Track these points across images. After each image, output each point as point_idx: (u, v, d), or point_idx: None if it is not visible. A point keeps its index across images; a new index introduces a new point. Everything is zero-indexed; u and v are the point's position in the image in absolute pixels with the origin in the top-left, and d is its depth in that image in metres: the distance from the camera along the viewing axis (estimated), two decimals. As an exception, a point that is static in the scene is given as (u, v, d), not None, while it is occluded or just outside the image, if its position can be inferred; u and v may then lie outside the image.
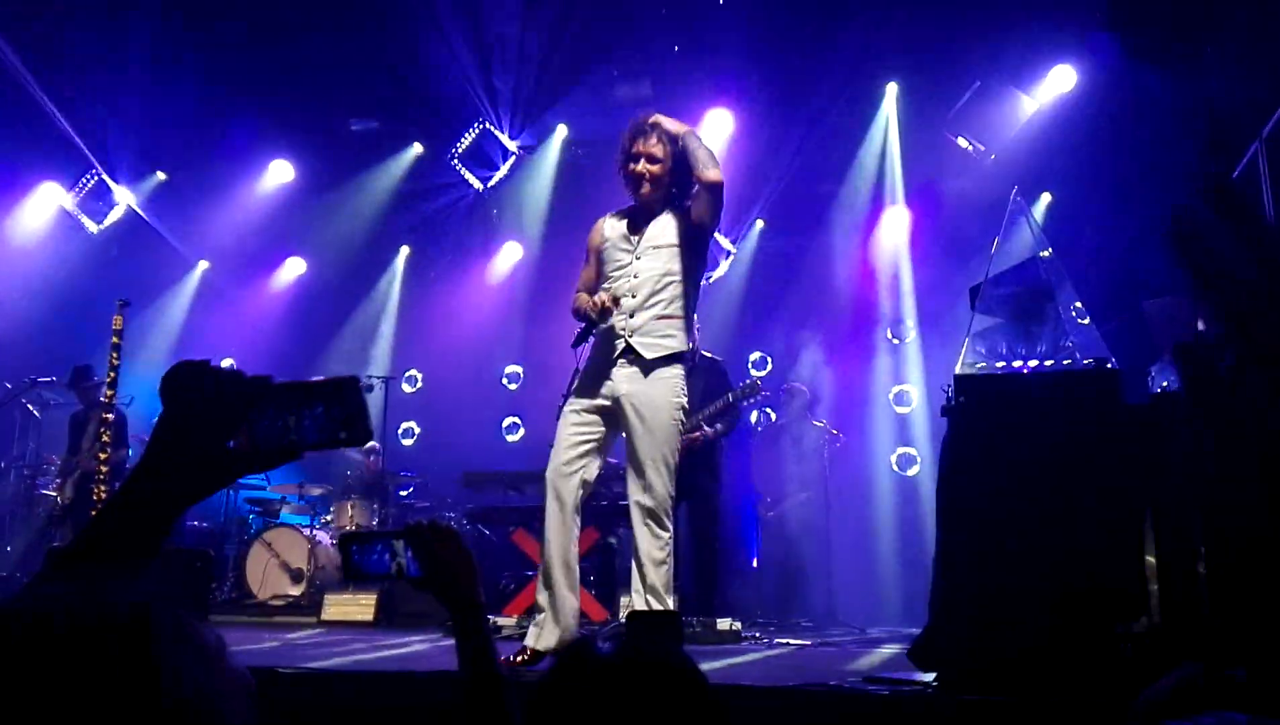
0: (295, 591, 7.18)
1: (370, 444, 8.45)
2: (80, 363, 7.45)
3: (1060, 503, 3.01)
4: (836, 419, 8.09)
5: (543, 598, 3.65)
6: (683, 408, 3.80)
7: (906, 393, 8.90)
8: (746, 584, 7.01)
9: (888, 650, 4.71)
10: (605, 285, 3.87)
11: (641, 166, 3.82)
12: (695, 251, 3.87)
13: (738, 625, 5.24)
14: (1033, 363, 3.50)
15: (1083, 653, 2.84)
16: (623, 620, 3.80)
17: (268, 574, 7.22)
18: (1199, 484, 2.97)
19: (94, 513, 4.71)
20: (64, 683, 0.62)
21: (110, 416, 5.04)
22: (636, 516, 3.68)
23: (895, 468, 8.66)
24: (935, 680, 2.98)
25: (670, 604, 3.68)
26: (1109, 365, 3.23)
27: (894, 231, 9.01)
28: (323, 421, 1.02)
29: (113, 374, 4.84)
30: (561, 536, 3.66)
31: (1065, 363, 3.41)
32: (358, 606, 6.65)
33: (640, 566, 3.65)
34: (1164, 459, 3.05)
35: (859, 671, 3.38)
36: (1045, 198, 8.26)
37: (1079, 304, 3.86)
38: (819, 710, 2.87)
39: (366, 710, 3.12)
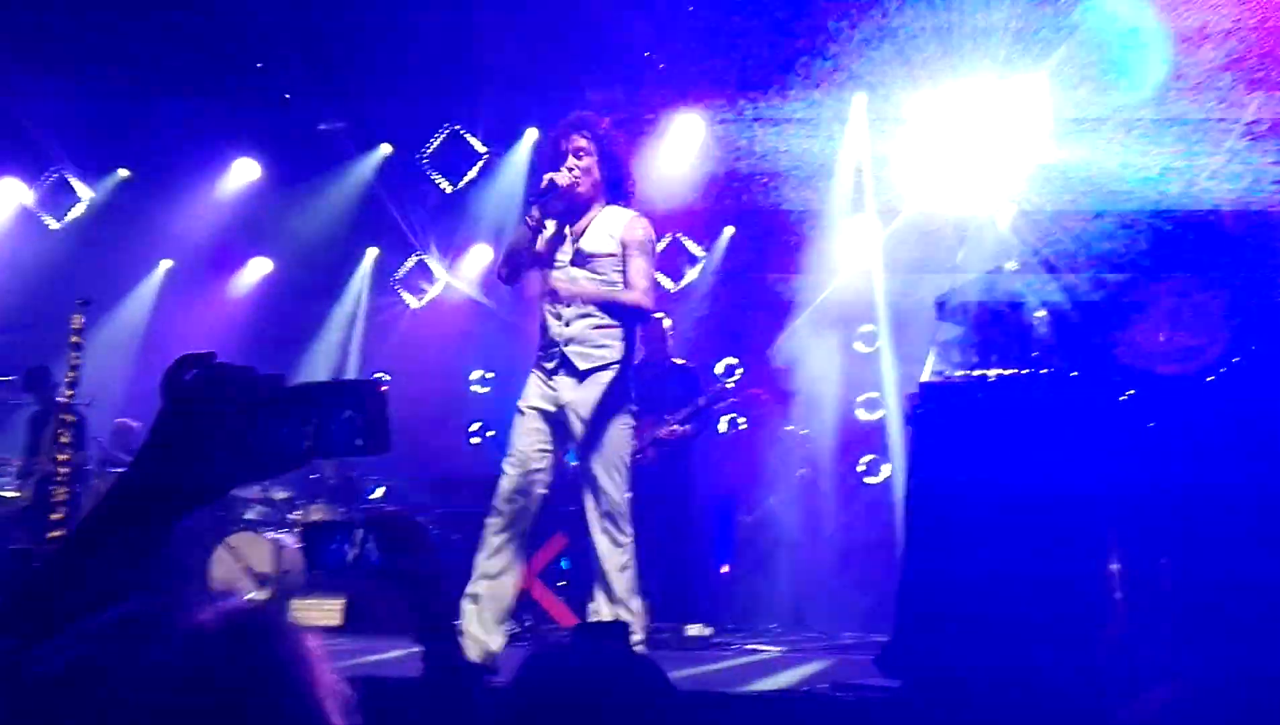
0: (260, 596, 7.08)
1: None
2: (36, 363, 7.31)
3: (1025, 509, 3.05)
4: (804, 425, 8.14)
5: (470, 609, 3.60)
6: (630, 412, 3.79)
7: (874, 399, 8.96)
8: (716, 590, 7.02)
9: (856, 656, 4.74)
10: (544, 286, 3.86)
11: (570, 163, 3.77)
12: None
13: (708, 630, 5.25)
14: (997, 371, 3.55)
15: (1049, 659, 2.88)
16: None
17: (231, 579, 7.12)
18: (1164, 491, 3.03)
19: (55, 516, 4.64)
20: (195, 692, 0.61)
21: (70, 418, 4.95)
22: (595, 524, 3.68)
23: (862, 474, 8.72)
24: (902, 687, 3.02)
25: (635, 608, 3.66)
26: (1072, 374, 3.28)
27: (864, 240, 9.08)
28: (340, 428, 0.94)
29: (73, 374, 4.76)
30: (508, 549, 3.66)
31: (1029, 371, 3.47)
32: (323, 611, 6.57)
33: (603, 574, 3.64)
34: (1130, 466, 3.10)
35: (828, 678, 3.41)
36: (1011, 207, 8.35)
37: (1043, 312, 3.91)
38: (788, 717, 2.89)
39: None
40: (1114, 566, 3.05)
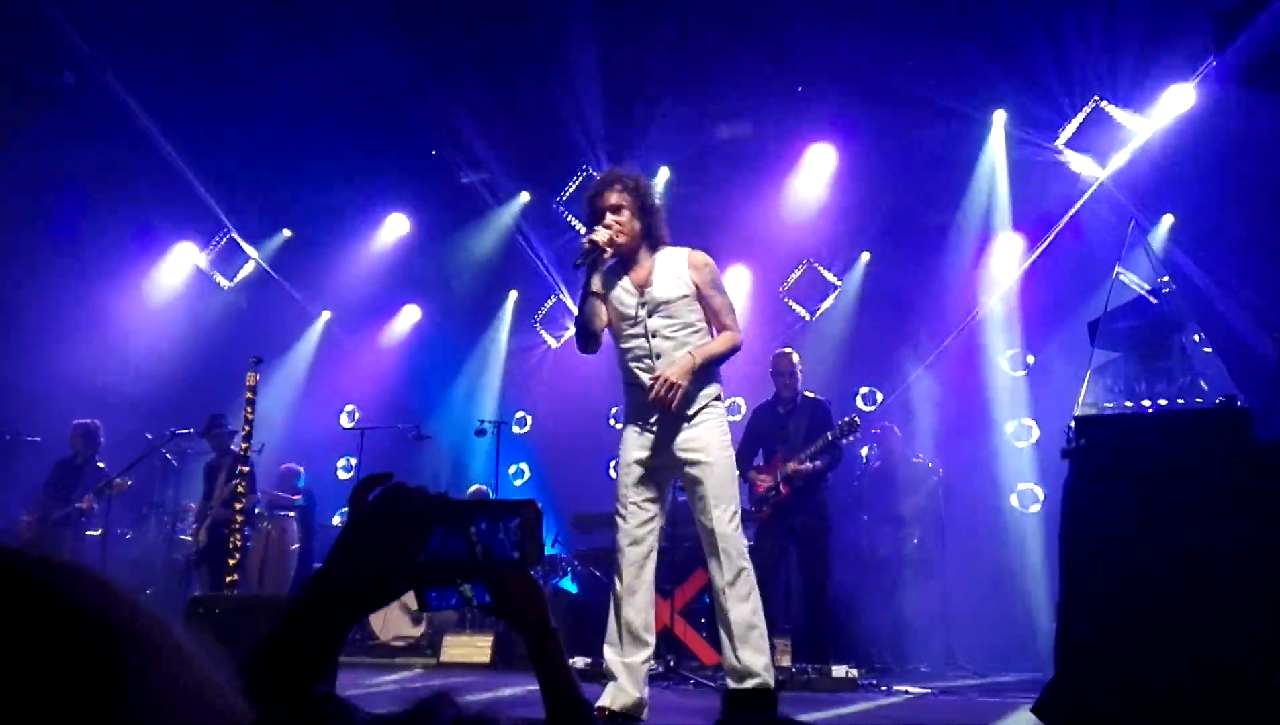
0: (415, 633, 7.37)
1: (478, 488, 8.66)
2: (211, 413, 7.85)
3: (1193, 546, 2.87)
4: (951, 454, 7.88)
5: (614, 657, 3.61)
6: (730, 443, 3.79)
7: (1025, 427, 8.62)
8: (861, 628, 6.83)
9: (1012, 698, 4.54)
10: (621, 346, 3.84)
11: (609, 220, 3.76)
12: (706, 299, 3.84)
13: (854, 672, 5.13)
14: (1157, 402, 3.36)
15: (1225, 706, 2.69)
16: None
17: (389, 616, 7.44)
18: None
19: (230, 562, 4.96)
20: None
21: (245, 468, 5.31)
22: (711, 561, 3.64)
23: (1016, 505, 8.37)
24: (1062, 735, 2.87)
25: (759, 644, 3.56)
26: (1237, 403, 3.08)
27: (1007, 260, 8.79)
28: (498, 540, 1.08)
29: (248, 428, 5.09)
30: (639, 598, 3.65)
31: (1192, 401, 3.27)
32: (475, 648, 6.78)
33: (723, 609, 3.58)
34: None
35: (983, 722, 3.27)
36: (1167, 220, 7.94)
37: (1200, 336, 3.69)
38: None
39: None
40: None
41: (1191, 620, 2.81)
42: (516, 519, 1.08)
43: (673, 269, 3.81)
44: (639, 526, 3.71)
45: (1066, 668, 3.03)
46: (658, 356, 3.75)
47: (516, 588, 1.56)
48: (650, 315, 3.77)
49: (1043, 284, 8.51)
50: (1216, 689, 2.72)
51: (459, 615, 7.44)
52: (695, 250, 3.91)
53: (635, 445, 3.79)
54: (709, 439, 3.71)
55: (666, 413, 3.72)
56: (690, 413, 3.73)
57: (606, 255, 3.77)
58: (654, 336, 3.76)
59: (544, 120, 8.83)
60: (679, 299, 3.76)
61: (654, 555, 3.74)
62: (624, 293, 3.83)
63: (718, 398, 3.80)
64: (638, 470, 3.76)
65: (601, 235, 3.72)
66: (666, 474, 3.80)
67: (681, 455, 3.72)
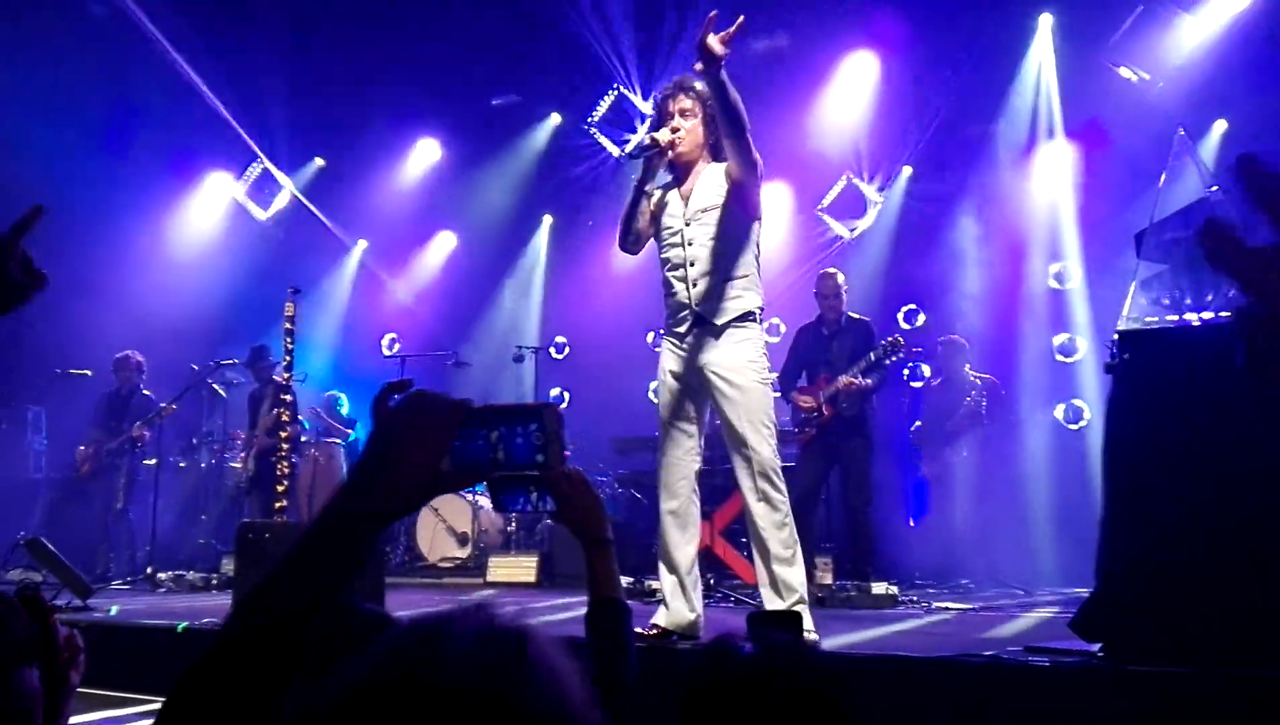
0: (462, 554, 7.54)
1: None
2: (256, 343, 7.97)
3: (1236, 462, 2.82)
4: (997, 371, 7.77)
5: (667, 581, 3.65)
6: (766, 367, 3.70)
7: (1072, 341, 8.47)
8: (904, 545, 6.84)
9: (1050, 614, 4.55)
10: (662, 255, 3.81)
11: (675, 124, 3.72)
12: (744, 205, 3.70)
13: (894, 589, 5.16)
14: (1203, 315, 3.26)
15: (1263, 620, 2.67)
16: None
17: (436, 538, 7.61)
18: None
19: (279, 488, 5.09)
20: None
21: (289, 397, 5.40)
22: (746, 484, 3.57)
23: (1062, 421, 8.27)
24: (1101, 651, 2.87)
25: (797, 567, 3.55)
26: (1291, 315, 2.98)
27: (1054, 170, 8.53)
28: (520, 446, 1.06)
29: (288, 358, 5.18)
30: (684, 525, 3.66)
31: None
32: (520, 568, 6.92)
33: (759, 535, 3.55)
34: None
35: (1020, 640, 3.28)
36: (1220, 125, 7.64)
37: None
38: (977, 682, 2.82)
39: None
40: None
41: (1232, 538, 2.77)
42: (536, 423, 1.06)
43: (714, 176, 3.75)
44: (675, 446, 3.69)
45: (1105, 584, 3.01)
46: (692, 264, 3.69)
47: (577, 499, 1.64)
48: (688, 224, 3.73)
49: (1092, 195, 8.27)
50: (1256, 607, 2.69)
51: (504, 537, 7.60)
52: None
53: (669, 360, 3.76)
54: (739, 361, 3.62)
55: (699, 325, 3.68)
56: (720, 323, 3.65)
57: (666, 157, 3.74)
58: (690, 245, 3.71)
59: (574, 38, 8.65)
60: (714, 208, 3.69)
61: (694, 472, 3.71)
62: (671, 202, 3.80)
63: (752, 314, 3.68)
64: (672, 387, 3.73)
65: (663, 135, 3.70)
66: (701, 395, 3.73)
67: (711, 375, 3.64)
